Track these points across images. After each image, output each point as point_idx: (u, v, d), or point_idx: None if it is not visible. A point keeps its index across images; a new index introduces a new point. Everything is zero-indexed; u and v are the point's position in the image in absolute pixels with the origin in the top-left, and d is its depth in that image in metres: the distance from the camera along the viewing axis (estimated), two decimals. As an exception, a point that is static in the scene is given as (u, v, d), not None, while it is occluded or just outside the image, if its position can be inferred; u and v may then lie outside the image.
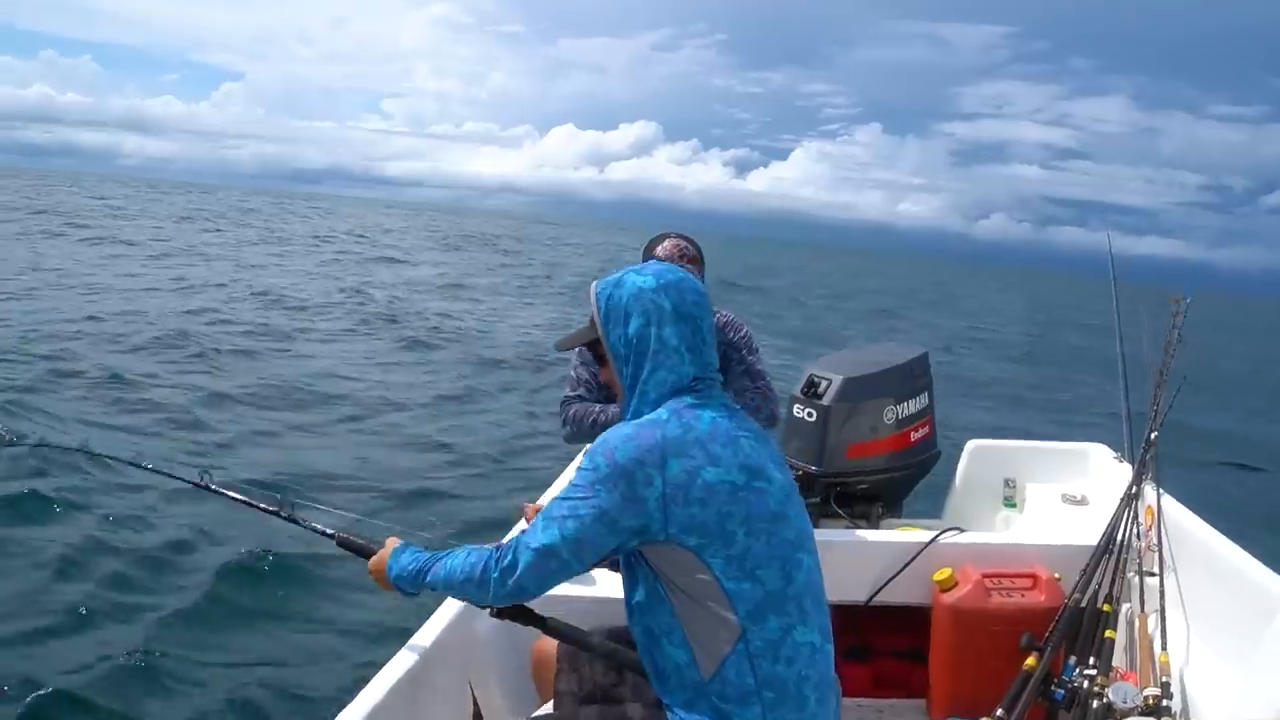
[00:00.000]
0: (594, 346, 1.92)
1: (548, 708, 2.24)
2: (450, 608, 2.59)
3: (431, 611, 2.61)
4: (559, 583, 1.85)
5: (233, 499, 2.59)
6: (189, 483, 2.66)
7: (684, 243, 3.20)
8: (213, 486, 2.60)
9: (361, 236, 46.67)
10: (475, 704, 2.68)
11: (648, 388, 1.78)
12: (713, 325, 1.88)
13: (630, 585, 1.84)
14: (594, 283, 1.91)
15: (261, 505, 2.53)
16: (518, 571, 1.76)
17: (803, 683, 1.73)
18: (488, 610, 2.09)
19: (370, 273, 27.20)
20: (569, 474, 3.87)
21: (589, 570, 1.83)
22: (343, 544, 2.36)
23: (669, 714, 1.81)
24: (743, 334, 3.31)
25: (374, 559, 2.12)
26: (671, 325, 1.79)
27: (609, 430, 1.76)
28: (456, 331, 16.84)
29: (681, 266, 3.07)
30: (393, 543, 2.11)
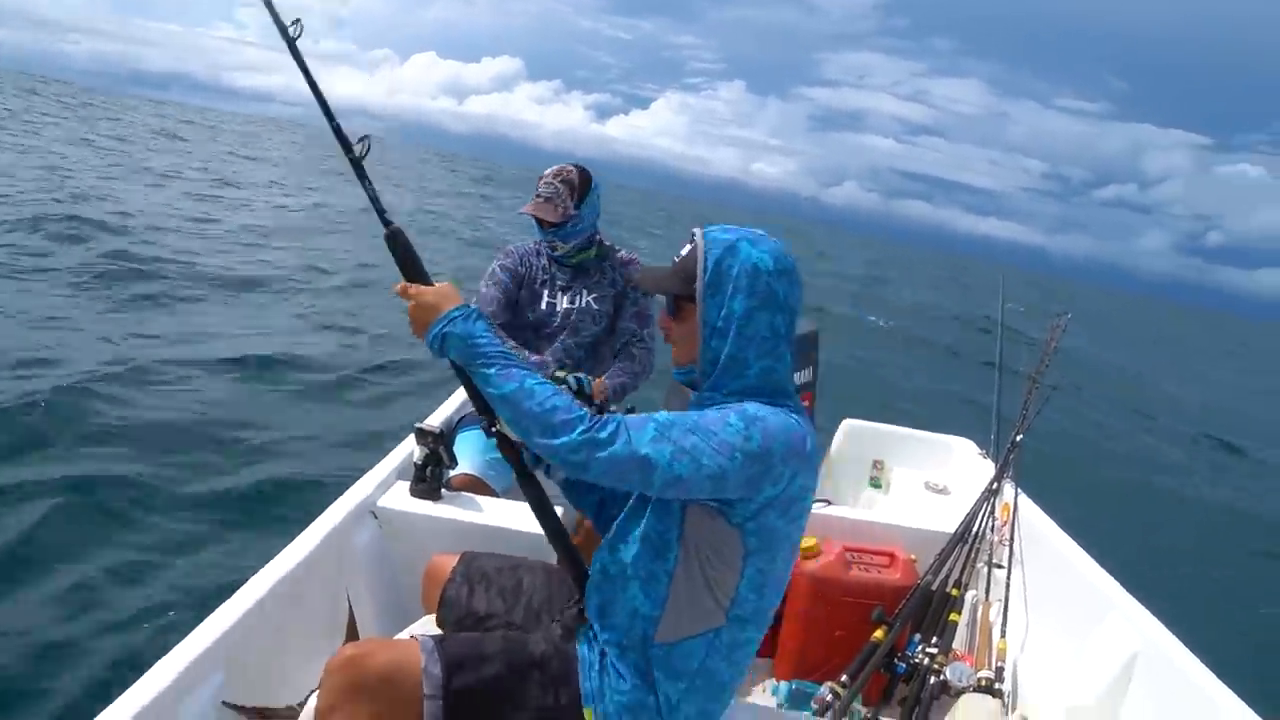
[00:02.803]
0: (676, 297, 1.73)
1: (428, 620, 2.19)
2: (329, 519, 2.51)
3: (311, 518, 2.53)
4: (621, 489, 1.71)
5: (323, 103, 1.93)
6: None
7: (570, 167, 3.23)
8: None
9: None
10: (351, 615, 2.62)
11: (750, 373, 1.67)
12: None
13: (635, 520, 1.75)
14: (699, 230, 1.74)
15: (343, 134, 1.91)
16: (605, 451, 1.58)
17: (732, 681, 1.77)
18: (490, 428, 1.85)
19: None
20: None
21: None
22: (395, 241, 1.89)
23: (586, 650, 1.79)
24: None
25: (425, 290, 1.79)
26: (783, 315, 1.68)
27: (775, 415, 1.62)
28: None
29: (553, 186, 3.16)
30: (452, 289, 1.80)
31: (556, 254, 3.28)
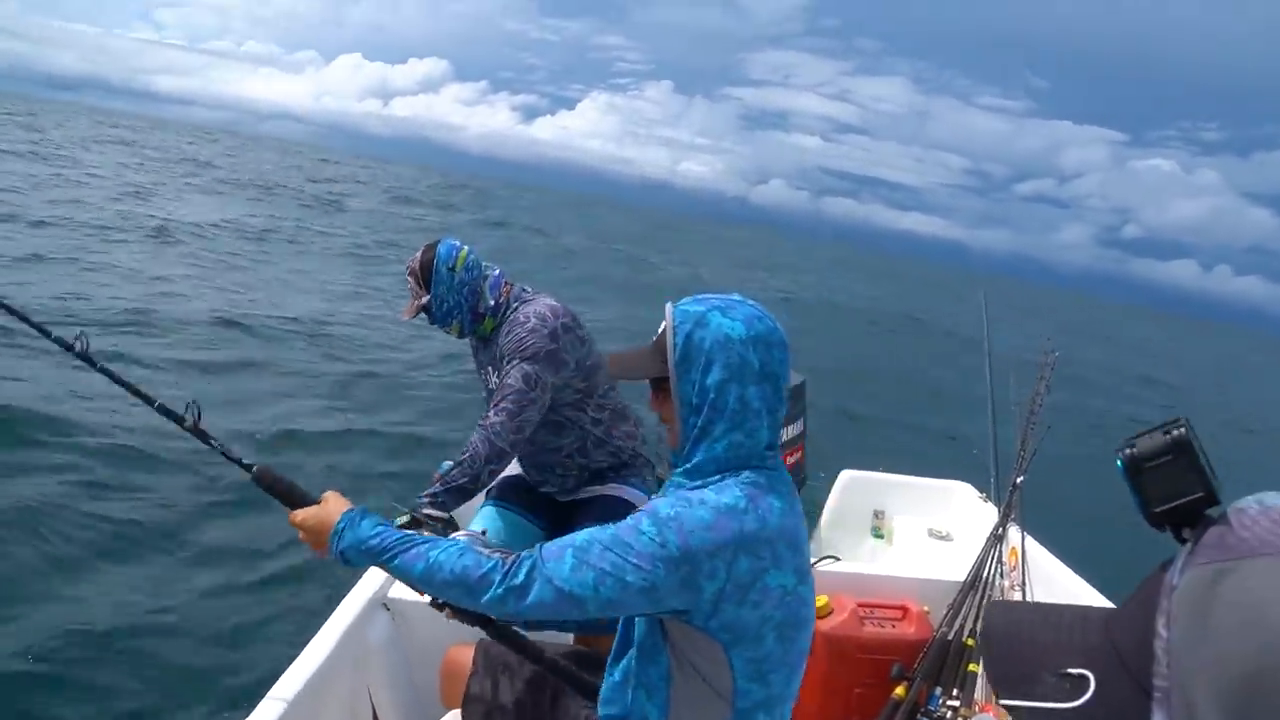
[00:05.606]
0: (653, 379, 1.70)
1: (452, 716, 2.12)
2: (343, 615, 2.44)
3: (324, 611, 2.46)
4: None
5: (138, 393, 2.12)
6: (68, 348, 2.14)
7: (415, 256, 2.92)
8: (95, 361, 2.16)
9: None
10: (374, 712, 2.54)
11: (717, 447, 1.59)
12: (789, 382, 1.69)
13: (629, 624, 1.72)
14: (670, 304, 1.68)
15: (169, 409, 2.06)
16: (528, 599, 1.56)
17: None
18: (436, 604, 1.83)
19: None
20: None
21: None
22: (263, 481, 1.92)
23: None
24: (517, 331, 2.80)
25: (308, 512, 1.79)
26: (756, 385, 1.59)
27: (688, 508, 1.54)
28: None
29: (407, 283, 2.86)
30: (335, 498, 1.80)
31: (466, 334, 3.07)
